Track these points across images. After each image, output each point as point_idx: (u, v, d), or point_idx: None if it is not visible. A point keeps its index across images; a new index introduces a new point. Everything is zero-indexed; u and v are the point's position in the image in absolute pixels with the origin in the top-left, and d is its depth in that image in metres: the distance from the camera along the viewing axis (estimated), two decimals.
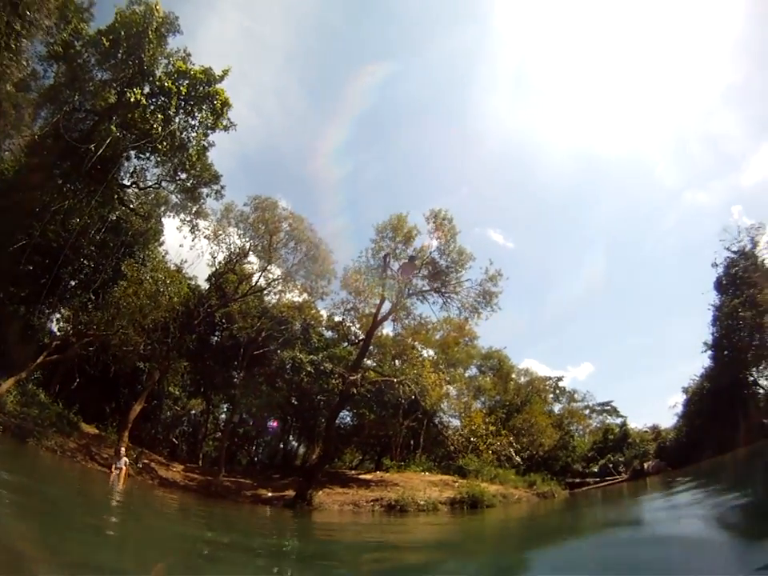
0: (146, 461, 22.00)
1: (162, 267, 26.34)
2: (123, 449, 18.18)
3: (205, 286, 29.97)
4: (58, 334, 24.38)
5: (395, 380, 21.80)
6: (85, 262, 24.79)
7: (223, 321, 30.20)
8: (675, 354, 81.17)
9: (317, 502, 22.37)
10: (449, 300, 22.85)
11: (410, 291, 22.71)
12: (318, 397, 25.32)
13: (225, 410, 32.37)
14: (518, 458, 33.34)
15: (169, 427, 33.75)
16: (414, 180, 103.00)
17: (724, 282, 34.28)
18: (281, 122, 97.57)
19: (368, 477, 25.66)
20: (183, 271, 28.94)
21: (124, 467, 16.94)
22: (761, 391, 33.30)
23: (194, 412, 35.23)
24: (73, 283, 25.34)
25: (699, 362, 57.28)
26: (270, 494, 23.70)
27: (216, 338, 31.60)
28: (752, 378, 33.28)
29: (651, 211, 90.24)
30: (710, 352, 33.78)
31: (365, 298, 23.93)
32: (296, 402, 26.08)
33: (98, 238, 23.64)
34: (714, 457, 22.13)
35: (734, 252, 35.14)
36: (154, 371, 24.95)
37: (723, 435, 26.99)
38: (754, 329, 32.24)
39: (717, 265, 35.63)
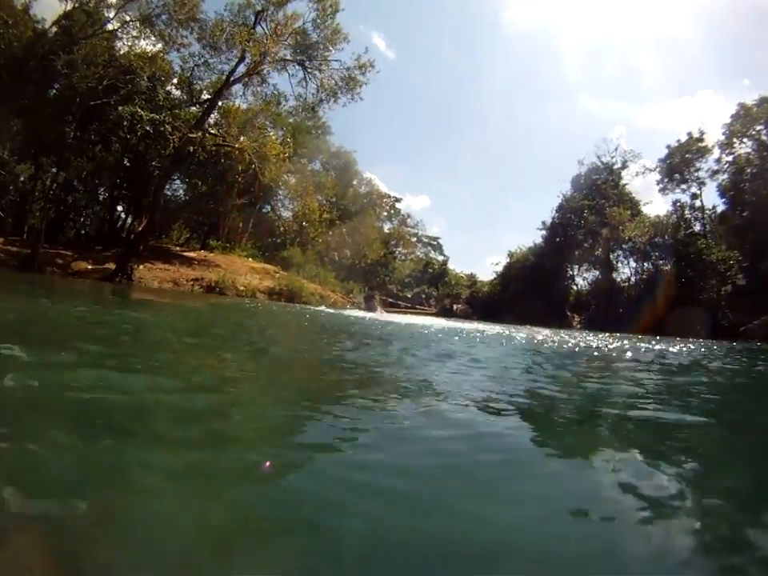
0: None
1: (9, 5, 23.00)
2: None
3: (53, 30, 25.14)
4: None
5: (236, 146, 20.82)
6: None
7: (65, 69, 25.86)
8: (508, 220, 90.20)
9: (137, 276, 21.76)
10: (310, 76, 21.78)
11: (272, 58, 21.03)
12: (154, 163, 23.25)
13: (54, 174, 28.85)
14: (341, 256, 34.35)
15: None
16: None
17: (582, 181, 37.22)
18: None
19: (192, 255, 25.19)
20: (31, 12, 24.87)
21: None
22: (574, 287, 38.54)
23: (22, 178, 30.94)
24: None
25: (529, 236, 63.14)
26: (89, 267, 22.47)
27: (54, 91, 27.21)
28: (571, 273, 38.17)
29: (546, 89, 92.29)
30: (544, 233, 37.64)
31: (222, 55, 21.93)
32: (129, 165, 23.73)
33: None
34: (514, 323, 24.71)
35: (603, 163, 38.00)
36: None
37: (529, 307, 31.01)
38: (589, 233, 36.10)
39: (582, 163, 38.28)
